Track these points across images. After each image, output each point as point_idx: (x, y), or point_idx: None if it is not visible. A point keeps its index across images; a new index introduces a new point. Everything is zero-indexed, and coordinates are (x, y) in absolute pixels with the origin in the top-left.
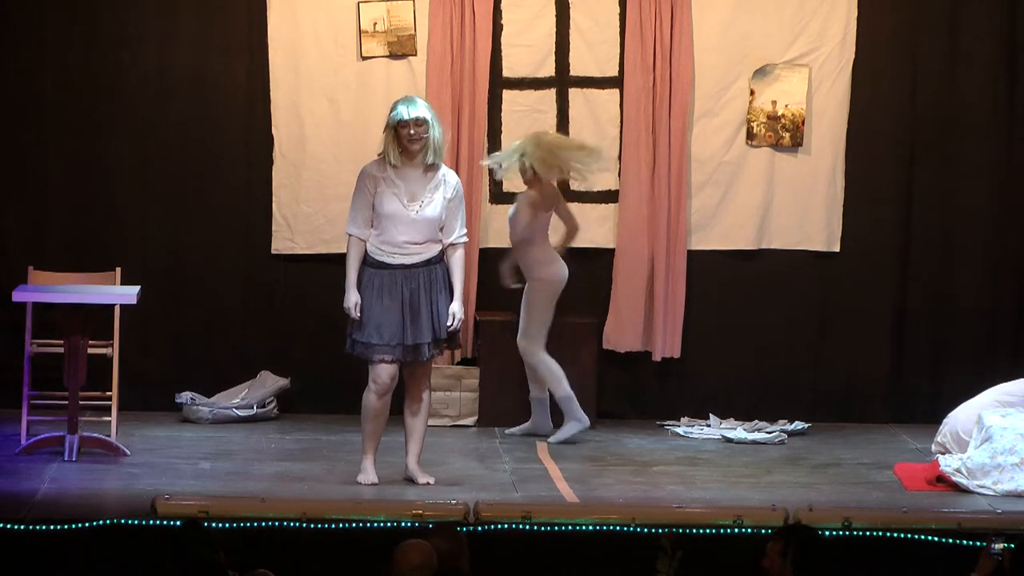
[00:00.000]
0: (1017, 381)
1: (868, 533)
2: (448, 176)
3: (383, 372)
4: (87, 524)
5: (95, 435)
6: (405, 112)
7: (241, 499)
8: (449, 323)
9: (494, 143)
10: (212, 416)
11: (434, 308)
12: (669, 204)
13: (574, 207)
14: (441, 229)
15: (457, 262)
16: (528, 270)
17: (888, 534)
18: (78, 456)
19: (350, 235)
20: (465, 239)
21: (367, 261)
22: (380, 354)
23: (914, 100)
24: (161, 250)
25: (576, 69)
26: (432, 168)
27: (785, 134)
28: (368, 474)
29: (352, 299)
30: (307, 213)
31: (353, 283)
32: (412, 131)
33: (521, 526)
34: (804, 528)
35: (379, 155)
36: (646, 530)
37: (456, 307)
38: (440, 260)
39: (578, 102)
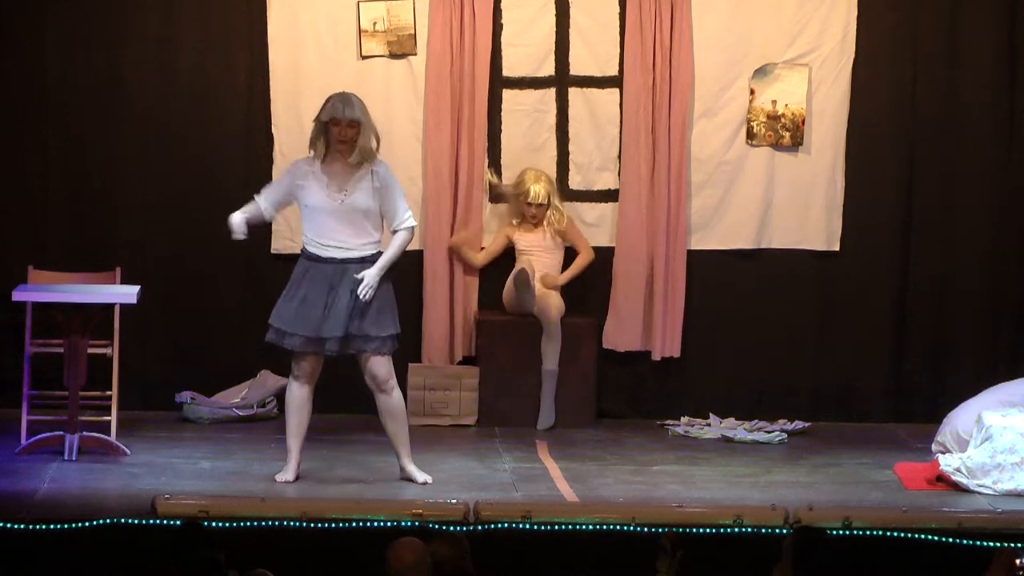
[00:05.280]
0: (1017, 381)
1: (868, 533)
2: (376, 167)
3: (302, 362)
4: (87, 524)
5: (95, 435)
6: (341, 111)
7: (241, 499)
8: (361, 288)
9: (494, 143)
10: (212, 416)
11: (357, 304)
12: (669, 204)
13: (574, 206)
14: (384, 222)
15: (396, 239)
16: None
17: (888, 534)
18: (78, 456)
19: (254, 198)
20: (410, 223)
21: (303, 253)
22: (298, 343)
23: (914, 100)
24: (161, 250)
25: (576, 69)
26: (359, 166)
27: (785, 134)
28: (286, 473)
29: (235, 218)
30: None
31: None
32: (342, 131)
33: (521, 526)
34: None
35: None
36: (646, 530)
37: (371, 272)
38: (377, 259)
39: (578, 102)
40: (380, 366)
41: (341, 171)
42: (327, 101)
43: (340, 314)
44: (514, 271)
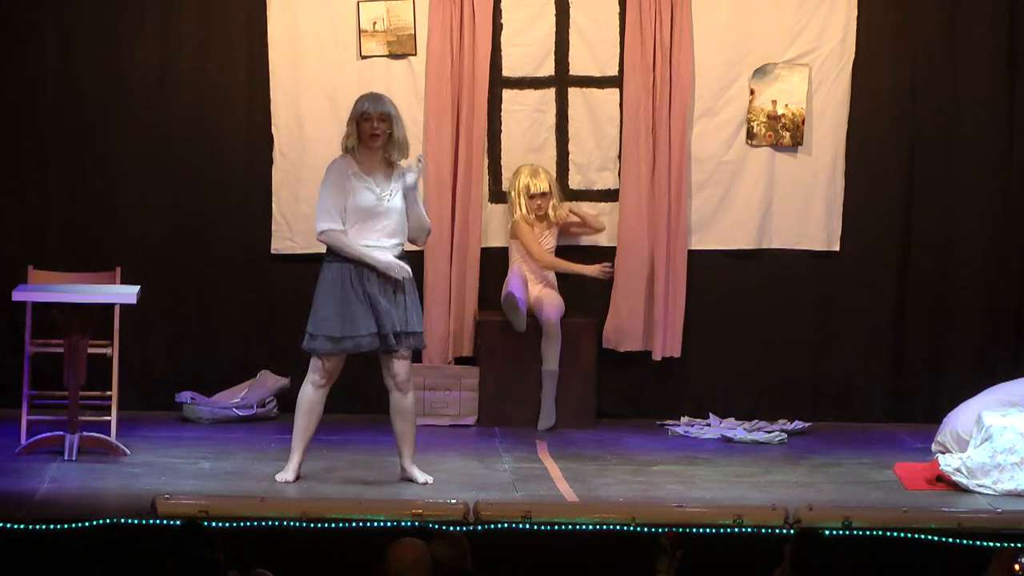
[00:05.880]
0: (1017, 381)
1: (868, 533)
2: (406, 171)
3: (324, 364)
4: (87, 524)
5: (95, 434)
6: (370, 106)
7: (241, 499)
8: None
9: (494, 143)
10: (212, 416)
11: (394, 304)
12: (669, 204)
13: (574, 205)
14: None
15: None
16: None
17: (888, 534)
18: (78, 456)
19: (328, 230)
20: (428, 224)
21: (338, 258)
22: (324, 345)
23: (914, 100)
24: (161, 250)
25: (576, 69)
26: (392, 164)
27: (785, 134)
28: (287, 473)
29: (390, 262)
30: (307, 213)
31: (371, 255)
32: (374, 125)
33: (521, 526)
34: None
35: (344, 151)
36: (646, 530)
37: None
38: (405, 257)
39: (578, 102)
40: (403, 366)
41: (379, 171)
42: (357, 101)
43: (380, 314)
44: (503, 294)
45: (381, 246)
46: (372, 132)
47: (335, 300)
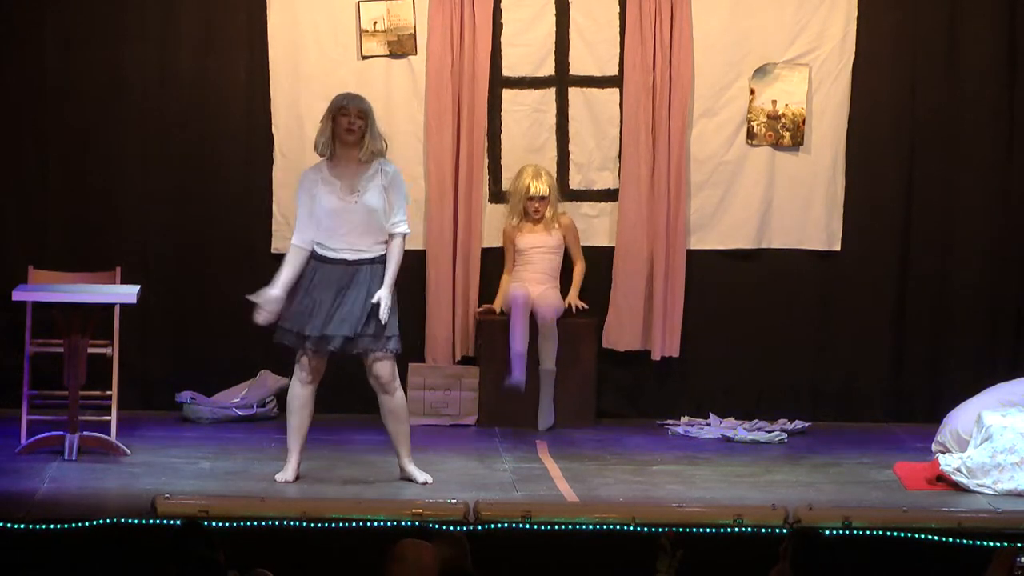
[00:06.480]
0: (1017, 381)
1: (868, 533)
2: (385, 166)
3: (306, 361)
4: (87, 524)
5: (95, 434)
6: (348, 102)
7: (241, 499)
8: (381, 311)
9: (494, 143)
10: (212, 416)
11: (363, 307)
12: (668, 203)
13: (574, 205)
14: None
15: (393, 250)
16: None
17: (888, 534)
18: (78, 455)
19: (292, 244)
20: (404, 228)
21: (312, 255)
22: (305, 343)
23: (914, 100)
24: (161, 250)
25: (576, 68)
26: (367, 163)
27: (785, 133)
28: (286, 472)
29: (271, 292)
30: None
31: (282, 281)
32: (351, 120)
33: (521, 526)
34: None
35: (316, 149)
36: (646, 530)
37: (383, 292)
38: (385, 260)
39: (578, 102)
40: (384, 367)
41: (350, 171)
42: (333, 98)
43: (349, 315)
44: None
45: (354, 247)
46: (348, 127)
47: (307, 297)
